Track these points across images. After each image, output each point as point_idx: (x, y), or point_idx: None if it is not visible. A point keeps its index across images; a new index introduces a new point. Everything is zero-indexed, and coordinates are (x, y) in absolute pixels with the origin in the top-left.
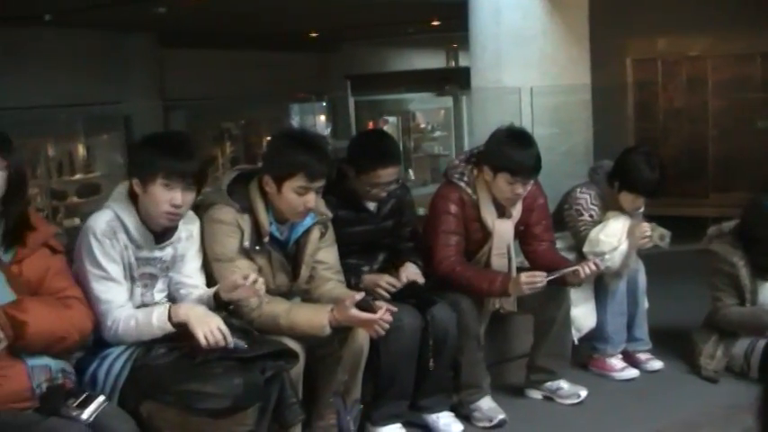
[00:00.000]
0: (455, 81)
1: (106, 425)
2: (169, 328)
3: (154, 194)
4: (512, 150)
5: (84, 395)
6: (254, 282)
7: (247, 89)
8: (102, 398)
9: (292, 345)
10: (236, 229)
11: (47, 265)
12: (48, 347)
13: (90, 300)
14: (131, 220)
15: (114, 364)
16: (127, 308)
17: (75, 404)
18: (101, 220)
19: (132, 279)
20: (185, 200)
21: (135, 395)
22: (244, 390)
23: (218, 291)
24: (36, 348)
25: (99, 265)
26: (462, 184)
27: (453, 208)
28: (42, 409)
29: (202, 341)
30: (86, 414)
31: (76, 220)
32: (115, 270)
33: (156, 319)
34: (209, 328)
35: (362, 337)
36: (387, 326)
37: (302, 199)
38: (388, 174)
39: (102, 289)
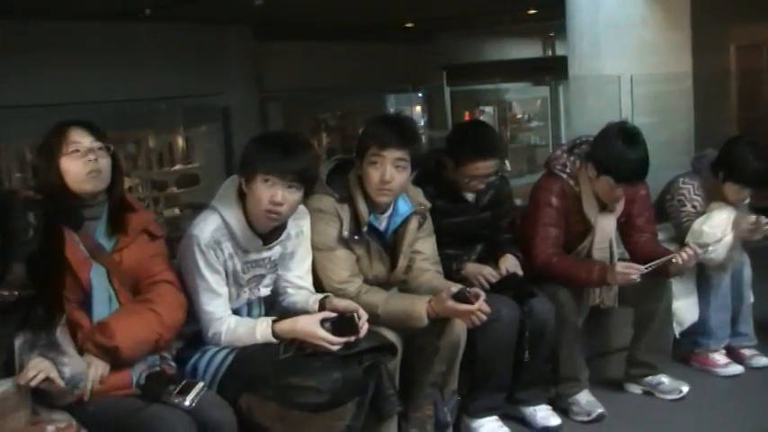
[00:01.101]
0: (551, 70)
1: (205, 411)
2: (274, 341)
3: (255, 192)
4: (619, 154)
5: (184, 382)
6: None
7: (343, 80)
8: (201, 383)
9: (390, 335)
10: (335, 218)
11: (145, 250)
12: (143, 354)
13: (193, 303)
14: (238, 225)
15: (216, 356)
16: (226, 320)
17: (176, 391)
18: (206, 230)
19: (239, 285)
20: (287, 198)
21: (234, 387)
22: (343, 384)
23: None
24: (135, 360)
25: (202, 276)
26: (564, 176)
27: (554, 200)
28: (144, 396)
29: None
30: (189, 400)
31: (176, 210)
32: (217, 281)
33: (261, 336)
34: (316, 341)
35: (460, 329)
36: (484, 317)
37: (378, 172)
38: (486, 166)
39: (203, 300)
